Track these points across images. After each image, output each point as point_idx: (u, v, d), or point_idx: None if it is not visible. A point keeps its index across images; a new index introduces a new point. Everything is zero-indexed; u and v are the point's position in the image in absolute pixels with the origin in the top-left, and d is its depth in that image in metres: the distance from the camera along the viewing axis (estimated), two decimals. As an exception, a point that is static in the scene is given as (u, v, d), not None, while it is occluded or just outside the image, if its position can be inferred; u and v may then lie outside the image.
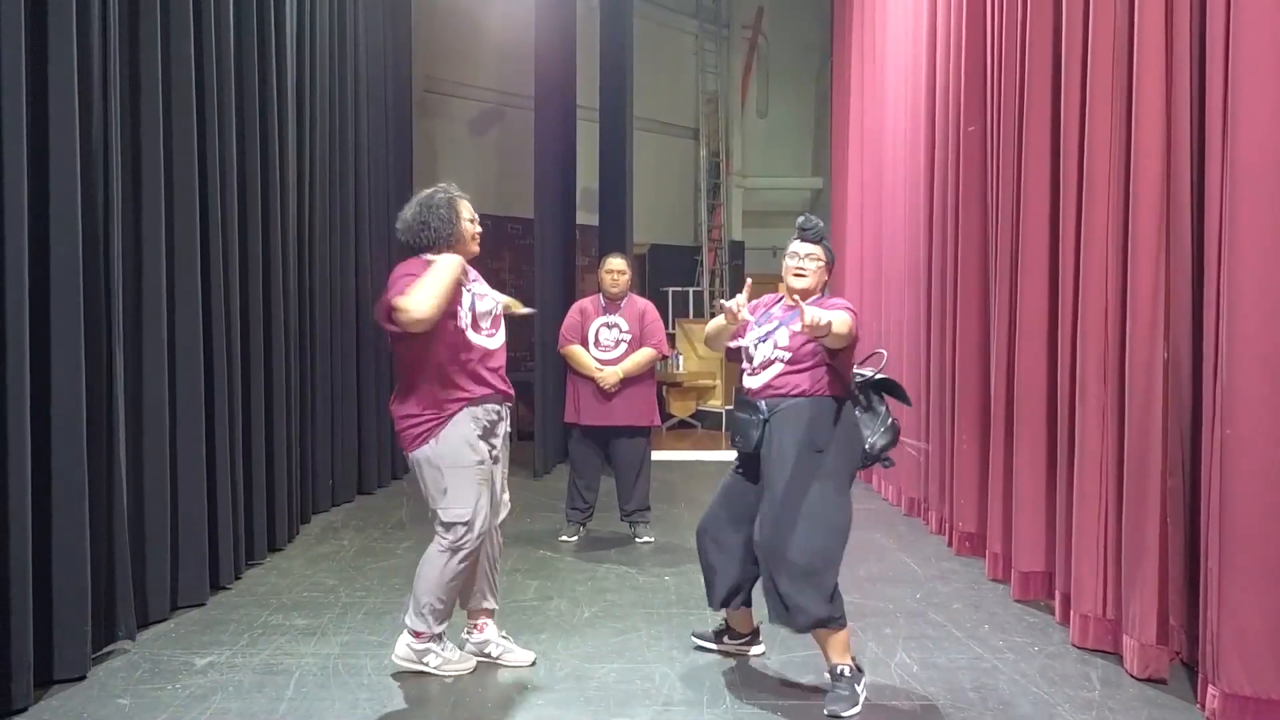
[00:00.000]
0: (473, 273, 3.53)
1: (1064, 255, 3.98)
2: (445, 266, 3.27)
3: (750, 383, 3.35)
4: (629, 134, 8.74)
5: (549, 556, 5.11)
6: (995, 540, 4.64)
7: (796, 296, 3.23)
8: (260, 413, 4.94)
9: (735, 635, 3.65)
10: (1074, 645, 3.71)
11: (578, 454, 5.47)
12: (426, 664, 3.42)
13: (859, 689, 3.18)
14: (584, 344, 5.40)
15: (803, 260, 3.33)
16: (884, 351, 3.56)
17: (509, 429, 3.56)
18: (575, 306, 5.61)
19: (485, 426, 3.39)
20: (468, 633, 3.60)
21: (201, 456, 4.25)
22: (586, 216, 9.38)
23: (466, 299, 3.39)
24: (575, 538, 5.48)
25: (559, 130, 8.25)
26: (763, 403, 3.29)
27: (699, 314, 11.87)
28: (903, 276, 6.42)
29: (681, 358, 10.78)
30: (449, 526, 3.33)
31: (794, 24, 12.82)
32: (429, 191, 3.45)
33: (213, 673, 3.43)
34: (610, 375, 5.28)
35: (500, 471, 3.53)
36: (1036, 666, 3.53)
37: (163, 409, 3.96)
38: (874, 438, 3.35)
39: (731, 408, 3.47)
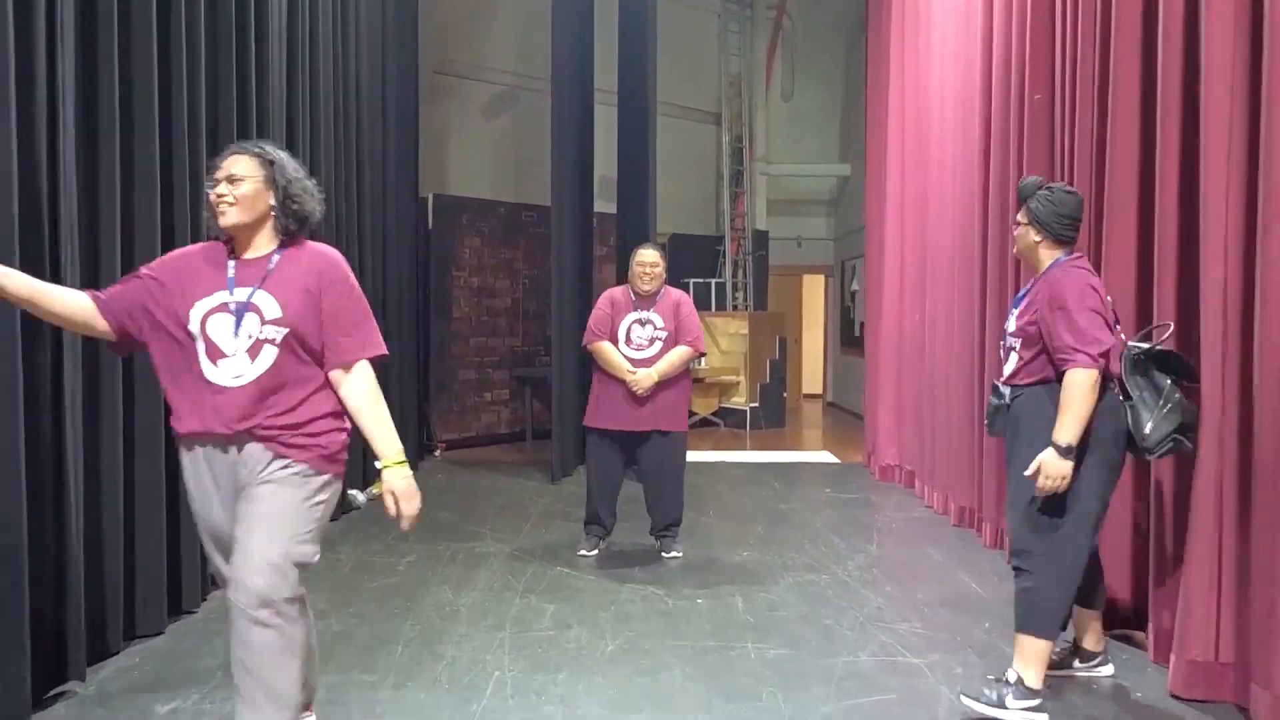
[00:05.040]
0: (248, 281, 2.43)
1: (1162, 247, 3.43)
2: None
3: (1004, 371, 3.20)
4: (651, 118, 8.30)
5: (566, 574, 4.61)
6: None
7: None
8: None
9: (1086, 656, 3.38)
10: (1174, 694, 3.18)
11: (600, 461, 4.93)
12: None
13: (1011, 703, 2.95)
14: (614, 341, 4.84)
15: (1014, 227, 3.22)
16: (1170, 324, 3.21)
17: (260, 470, 2.41)
18: (605, 296, 4.99)
19: (209, 470, 2.44)
20: None
21: (162, 471, 3.71)
22: (605, 205, 8.94)
23: (196, 315, 2.40)
24: (595, 552, 4.99)
25: (577, 114, 7.80)
26: (1006, 389, 3.13)
27: (721, 306, 11.42)
28: (952, 264, 5.90)
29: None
30: None
31: (820, 3, 12.37)
32: None
33: (178, 722, 2.95)
34: (645, 379, 4.72)
35: (249, 522, 2.37)
36: (1144, 718, 3.02)
37: (116, 421, 3.46)
38: (1151, 423, 2.89)
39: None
